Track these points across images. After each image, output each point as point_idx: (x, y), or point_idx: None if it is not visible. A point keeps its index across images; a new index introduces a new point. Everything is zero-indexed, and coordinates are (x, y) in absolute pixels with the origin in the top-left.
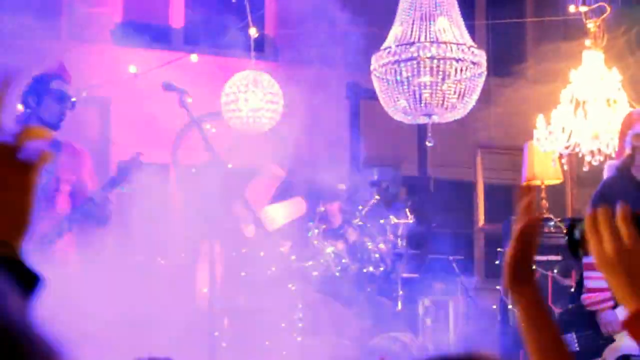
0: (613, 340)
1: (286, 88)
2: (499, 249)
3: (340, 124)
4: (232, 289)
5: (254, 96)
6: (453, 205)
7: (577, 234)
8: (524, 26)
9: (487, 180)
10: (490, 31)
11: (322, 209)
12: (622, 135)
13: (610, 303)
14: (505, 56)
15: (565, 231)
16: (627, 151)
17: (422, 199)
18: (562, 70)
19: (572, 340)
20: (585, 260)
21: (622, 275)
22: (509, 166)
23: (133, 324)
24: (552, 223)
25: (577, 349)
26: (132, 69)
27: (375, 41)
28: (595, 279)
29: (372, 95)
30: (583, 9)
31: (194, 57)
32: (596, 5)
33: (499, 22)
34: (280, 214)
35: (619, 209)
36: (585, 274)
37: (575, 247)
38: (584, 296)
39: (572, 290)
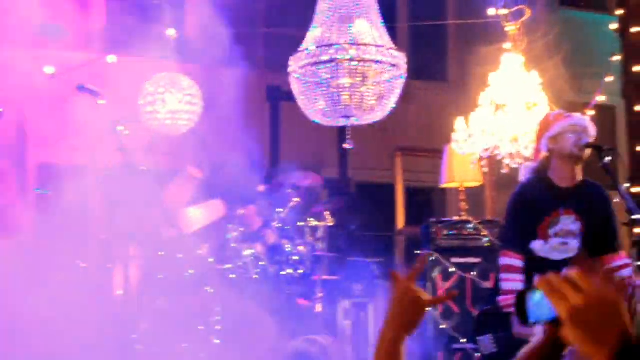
0: (528, 342)
1: (206, 90)
2: (416, 251)
3: (260, 126)
4: (149, 291)
5: (172, 98)
6: (373, 207)
7: (531, 306)
8: (445, 30)
9: (407, 183)
10: (412, 34)
11: (242, 211)
12: (539, 137)
13: None
14: (427, 60)
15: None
16: (544, 154)
17: (342, 201)
18: (483, 73)
19: (489, 341)
20: (501, 261)
21: (581, 332)
22: (429, 169)
23: (50, 325)
24: (471, 225)
25: (495, 350)
26: (49, 70)
27: (296, 43)
28: (511, 281)
29: (293, 98)
30: (503, 12)
31: (111, 58)
32: (515, 8)
33: (420, 25)
34: (199, 216)
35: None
36: (502, 275)
37: (525, 317)
38: (500, 298)
39: (491, 292)
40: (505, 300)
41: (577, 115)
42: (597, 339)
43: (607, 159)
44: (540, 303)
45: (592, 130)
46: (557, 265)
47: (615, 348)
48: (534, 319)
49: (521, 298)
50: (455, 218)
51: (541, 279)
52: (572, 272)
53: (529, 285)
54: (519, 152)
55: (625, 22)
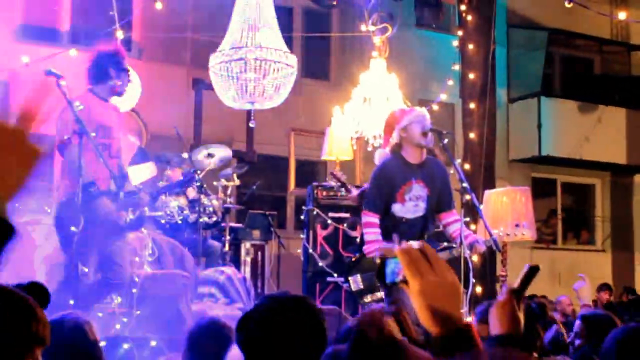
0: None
1: (146, 80)
2: (303, 207)
3: (186, 108)
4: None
5: None
6: (272, 173)
7: (388, 271)
8: (329, 40)
9: (298, 156)
10: (304, 42)
11: (170, 172)
12: (389, 129)
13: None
14: (315, 62)
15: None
16: (396, 140)
17: (246, 167)
18: (356, 74)
19: (357, 280)
20: (363, 219)
21: (426, 305)
22: (315, 145)
23: None
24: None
25: (362, 286)
26: (25, 59)
27: (214, 45)
28: (372, 234)
29: (212, 87)
30: (372, 28)
31: (72, 52)
32: (381, 26)
33: (310, 35)
34: (137, 174)
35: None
36: (364, 230)
37: (383, 278)
38: (364, 247)
39: (358, 240)
40: (369, 248)
41: (418, 108)
42: (436, 313)
43: (445, 140)
44: (395, 269)
45: (429, 118)
46: (411, 222)
47: (448, 328)
48: (390, 280)
49: (382, 264)
50: (332, 183)
51: (401, 250)
52: (428, 248)
53: (389, 238)
54: (380, 135)
55: (463, 40)
